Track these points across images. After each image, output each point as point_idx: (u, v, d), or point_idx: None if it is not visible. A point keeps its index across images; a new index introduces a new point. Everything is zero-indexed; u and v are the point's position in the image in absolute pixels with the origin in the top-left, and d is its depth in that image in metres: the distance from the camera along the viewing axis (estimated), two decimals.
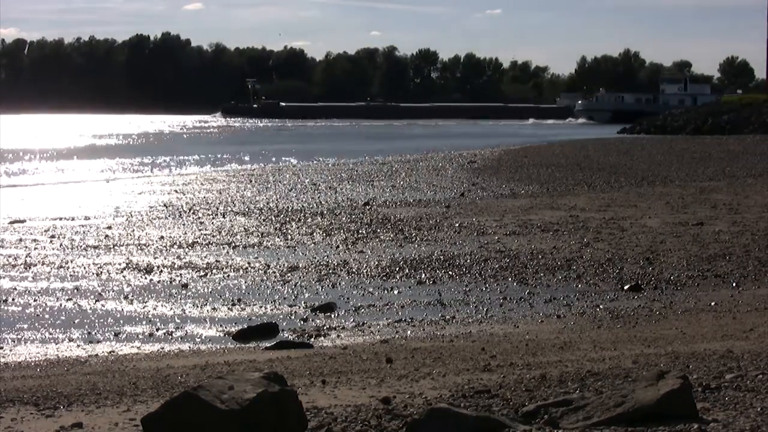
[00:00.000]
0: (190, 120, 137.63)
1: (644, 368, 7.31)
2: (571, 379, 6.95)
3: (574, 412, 5.41)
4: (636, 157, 43.48)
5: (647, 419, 5.18)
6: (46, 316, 12.61)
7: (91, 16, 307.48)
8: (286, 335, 11.57)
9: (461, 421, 5.09)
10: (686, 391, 5.34)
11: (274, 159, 48.35)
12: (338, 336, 11.43)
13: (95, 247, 18.13)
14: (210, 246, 18.34)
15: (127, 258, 16.87)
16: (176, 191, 29.99)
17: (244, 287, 14.46)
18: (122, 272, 15.54)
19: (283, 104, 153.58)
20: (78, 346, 11.12)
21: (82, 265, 16.23)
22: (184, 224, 21.60)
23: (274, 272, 15.57)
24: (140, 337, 11.61)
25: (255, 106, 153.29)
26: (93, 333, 11.74)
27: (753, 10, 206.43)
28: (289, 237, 19.52)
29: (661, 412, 5.21)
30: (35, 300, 13.51)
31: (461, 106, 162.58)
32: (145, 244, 18.49)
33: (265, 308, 13.13)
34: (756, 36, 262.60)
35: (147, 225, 21.51)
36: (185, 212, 23.97)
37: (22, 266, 16.10)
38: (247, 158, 49.28)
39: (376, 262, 16.20)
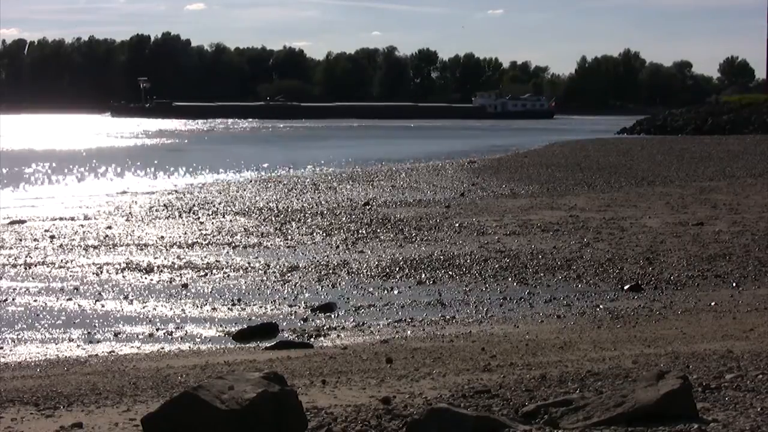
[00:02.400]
0: (78, 119, 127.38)
1: (644, 368, 7.31)
2: (571, 379, 6.95)
3: (574, 412, 5.40)
4: (636, 157, 43.48)
5: (647, 419, 5.18)
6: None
7: (93, 17, 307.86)
8: (286, 335, 11.56)
9: (461, 421, 5.09)
10: (686, 391, 5.34)
11: None
12: (338, 336, 11.43)
13: (95, 247, 18.15)
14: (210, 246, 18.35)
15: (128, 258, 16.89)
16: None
17: (244, 287, 14.47)
18: (122, 272, 15.56)
19: (177, 104, 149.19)
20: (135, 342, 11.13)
21: (82, 265, 16.25)
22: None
23: (274, 272, 15.58)
24: (141, 337, 11.62)
25: (147, 105, 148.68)
26: (158, 326, 11.88)
27: (753, 10, 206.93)
28: (290, 238, 19.53)
29: (661, 412, 5.21)
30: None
31: (371, 106, 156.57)
32: (145, 244, 18.50)
33: (265, 308, 13.13)
34: (756, 36, 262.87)
35: (148, 224, 21.53)
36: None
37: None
38: None
39: (376, 262, 16.19)
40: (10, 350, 10.86)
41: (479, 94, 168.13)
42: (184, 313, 12.81)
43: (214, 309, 13.03)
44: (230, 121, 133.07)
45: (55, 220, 22.55)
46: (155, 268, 15.89)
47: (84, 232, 20.28)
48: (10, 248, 18.09)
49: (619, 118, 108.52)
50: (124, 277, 15.23)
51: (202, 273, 15.52)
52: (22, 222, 22.05)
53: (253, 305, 13.29)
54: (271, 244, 18.65)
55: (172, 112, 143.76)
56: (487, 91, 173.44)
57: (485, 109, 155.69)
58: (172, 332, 11.80)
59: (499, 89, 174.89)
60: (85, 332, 11.74)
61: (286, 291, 14.21)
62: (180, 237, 19.54)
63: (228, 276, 15.31)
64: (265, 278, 15.14)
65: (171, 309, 13.03)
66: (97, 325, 12.17)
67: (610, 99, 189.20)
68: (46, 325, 12.08)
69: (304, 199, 27.10)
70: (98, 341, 11.36)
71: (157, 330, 11.89)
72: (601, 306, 12.71)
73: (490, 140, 72.21)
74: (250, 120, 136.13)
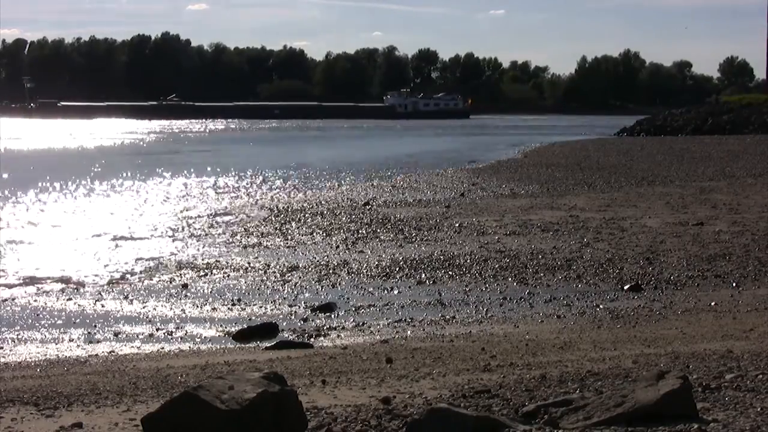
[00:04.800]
0: None
1: (644, 368, 7.31)
2: (571, 379, 6.94)
3: (574, 412, 5.40)
4: (636, 157, 43.47)
5: (647, 419, 5.18)
6: None
7: (95, 17, 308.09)
8: (286, 335, 11.56)
9: (461, 421, 5.09)
10: (686, 391, 5.33)
11: None
12: (338, 336, 11.43)
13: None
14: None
15: None
16: None
17: (244, 287, 14.46)
18: None
19: (62, 104, 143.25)
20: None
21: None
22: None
23: (274, 272, 15.57)
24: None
25: (32, 105, 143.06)
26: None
27: (753, 10, 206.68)
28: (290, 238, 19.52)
29: (661, 412, 5.21)
30: None
31: (271, 105, 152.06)
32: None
33: (265, 308, 13.12)
34: (756, 36, 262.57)
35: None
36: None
37: None
38: None
39: (376, 262, 16.19)
40: (10, 350, 10.86)
41: (390, 93, 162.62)
42: (184, 312, 12.81)
43: (214, 309, 13.04)
44: (123, 120, 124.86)
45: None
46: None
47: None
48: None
49: (619, 118, 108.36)
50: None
51: (202, 273, 15.52)
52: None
53: (253, 305, 13.29)
54: (270, 244, 18.65)
55: (58, 112, 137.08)
56: (412, 90, 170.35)
57: (395, 109, 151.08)
58: (171, 332, 11.80)
59: (410, 88, 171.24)
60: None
61: (286, 291, 14.21)
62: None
63: (228, 276, 15.31)
64: (265, 278, 15.15)
65: (171, 309, 13.04)
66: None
67: (610, 99, 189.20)
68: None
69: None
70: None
71: (158, 330, 11.89)
72: (601, 306, 12.71)
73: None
74: (151, 120, 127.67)
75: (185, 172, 39.45)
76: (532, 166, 39.20)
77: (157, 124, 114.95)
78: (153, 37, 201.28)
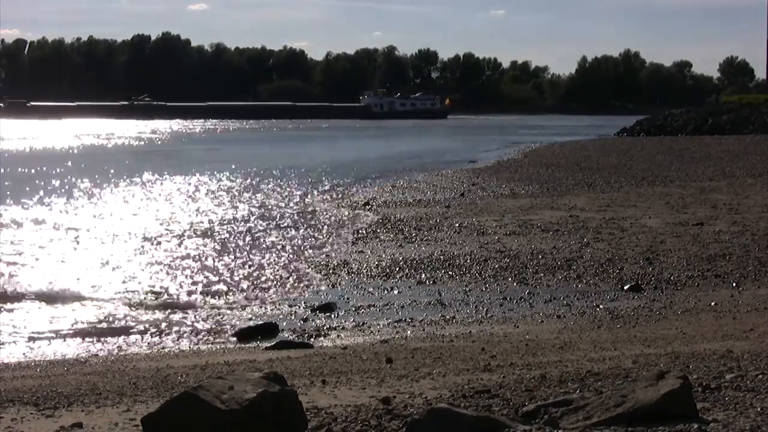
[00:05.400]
0: None
1: (644, 368, 7.31)
2: (571, 379, 6.94)
3: (574, 412, 5.40)
4: (636, 157, 43.45)
5: (647, 419, 5.17)
6: None
7: (95, 17, 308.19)
8: (286, 335, 11.56)
9: (461, 421, 5.09)
10: (686, 391, 5.33)
11: None
12: (338, 336, 11.43)
13: None
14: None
15: None
16: None
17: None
18: None
19: (31, 104, 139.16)
20: None
21: None
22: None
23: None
24: None
25: (0, 105, 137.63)
26: None
27: (753, 10, 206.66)
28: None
29: (661, 412, 5.20)
30: None
31: (242, 106, 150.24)
32: None
33: (265, 308, 13.12)
34: (756, 36, 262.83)
35: None
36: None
37: None
38: None
39: (376, 262, 16.19)
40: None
41: (366, 92, 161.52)
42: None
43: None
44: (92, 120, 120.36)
45: None
46: None
47: None
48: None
49: (619, 118, 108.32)
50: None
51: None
52: None
53: (253, 305, 13.29)
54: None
55: (28, 112, 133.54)
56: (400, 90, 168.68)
57: (371, 109, 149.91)
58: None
59: (386, 87, 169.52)
60: None
61: (286, 290, 14.21)
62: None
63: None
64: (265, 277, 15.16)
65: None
66: None
67: (610, 99, 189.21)
68: None
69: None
70: None
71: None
72: (601, 306, 12.71)
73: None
74: (111, 120, 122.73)
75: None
76: (532, 166, 39.19)
77: (133, 124, 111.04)
78: (153, 37, 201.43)
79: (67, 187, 32.48)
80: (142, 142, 72.64)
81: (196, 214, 24.31)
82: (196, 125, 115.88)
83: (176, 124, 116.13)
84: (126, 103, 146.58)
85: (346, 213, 23.83)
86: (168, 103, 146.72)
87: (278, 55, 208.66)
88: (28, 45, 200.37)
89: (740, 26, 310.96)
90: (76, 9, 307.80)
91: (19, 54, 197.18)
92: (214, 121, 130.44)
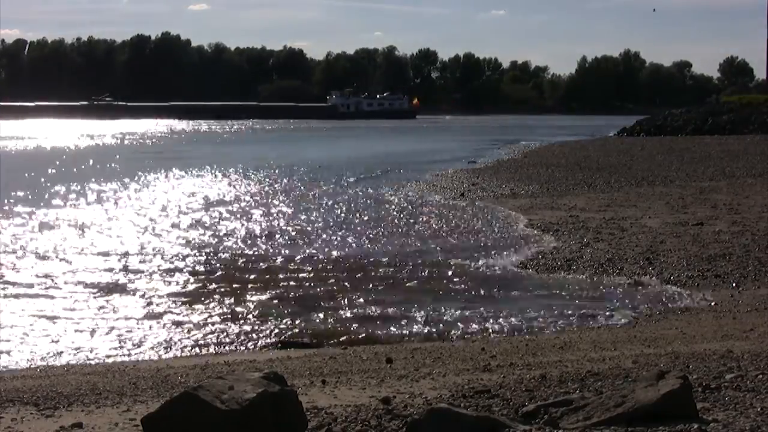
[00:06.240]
0: None
1: (644, 368, 7.31)
2: (571, 379, 6.94)
3: (574, 412, 5.40)
4: (636, 157, 43.43)
5: (647, 419, 5.17)
6: None
7: (95, 17, 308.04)
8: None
9: (461, 421, 5.09)
10: (686, 391, 5.33)
11: None
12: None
13: None
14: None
15: None
16: None
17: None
18: None
19: None
20: None
21: None
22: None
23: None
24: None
25: None
26: None
27: (753, 10, 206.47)
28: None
29: (661, 412, 5.20)
30: None
31: (204, 105, 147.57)
32: None
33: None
34: (756, 36, 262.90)
35: None
36: None
37: None
38: None
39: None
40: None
41: (333, 92, 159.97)
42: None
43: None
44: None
45: None
46: None
47: None
48: None
49: (619, 118, 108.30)
50: None
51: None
52: None
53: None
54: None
55: None
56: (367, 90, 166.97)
57: (337, 109, 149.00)
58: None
59: (353, 87, 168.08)
60: None
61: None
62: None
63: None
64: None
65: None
66: None
67: (610, 99, 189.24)
68: None
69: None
70: None
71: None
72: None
73: None
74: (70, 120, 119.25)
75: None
76: (532, 166, 39.18)
77: (93, 124, 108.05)
78: (153, 37, 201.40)
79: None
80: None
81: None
82: (161, 125, 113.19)
83: (140, 125, 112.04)
84: (86, 103, 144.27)
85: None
86: (128, 103, 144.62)
87: (278, 55, 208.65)
88: (28, 45, 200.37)
89: (740, 26, 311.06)
90: (76, 9, 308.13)
91: (19, 54, 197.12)
92: (179, 120, 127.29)
